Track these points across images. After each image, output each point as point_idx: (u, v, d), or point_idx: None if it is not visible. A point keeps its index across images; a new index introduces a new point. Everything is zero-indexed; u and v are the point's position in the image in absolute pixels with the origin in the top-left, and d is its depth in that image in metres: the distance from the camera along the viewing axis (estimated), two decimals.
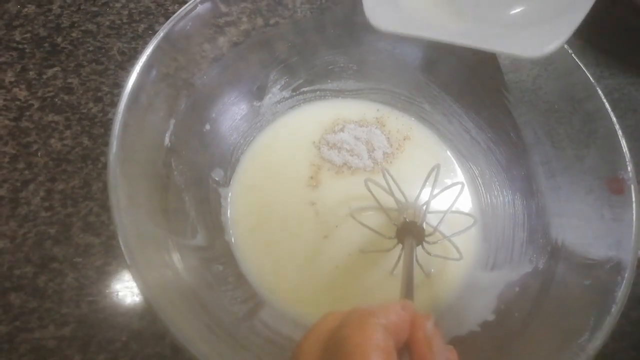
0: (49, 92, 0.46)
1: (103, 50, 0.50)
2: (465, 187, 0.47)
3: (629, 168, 0.36)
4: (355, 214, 0.42)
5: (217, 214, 0.42)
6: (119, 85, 0.48)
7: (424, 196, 0.42)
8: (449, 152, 0.50)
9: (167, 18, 0.42)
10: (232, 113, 0.45)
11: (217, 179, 0.43)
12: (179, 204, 0.38)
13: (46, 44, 0.49)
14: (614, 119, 0.38)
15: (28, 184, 0.42)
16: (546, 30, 0.32)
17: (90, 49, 0.49)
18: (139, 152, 0.34)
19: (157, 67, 0.35)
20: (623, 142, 0.37)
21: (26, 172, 0.42)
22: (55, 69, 0.48)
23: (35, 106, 0.45)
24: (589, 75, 0.39)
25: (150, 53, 0.35)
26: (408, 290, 0.30)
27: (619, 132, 0.37)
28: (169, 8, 0.53)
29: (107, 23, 0.51)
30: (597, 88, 0.39)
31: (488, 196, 0.47)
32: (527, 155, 0.44)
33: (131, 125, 0.32)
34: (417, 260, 0.39)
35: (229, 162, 0.45)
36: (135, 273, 0.27)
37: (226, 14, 0.41)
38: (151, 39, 0.35)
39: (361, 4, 0.36)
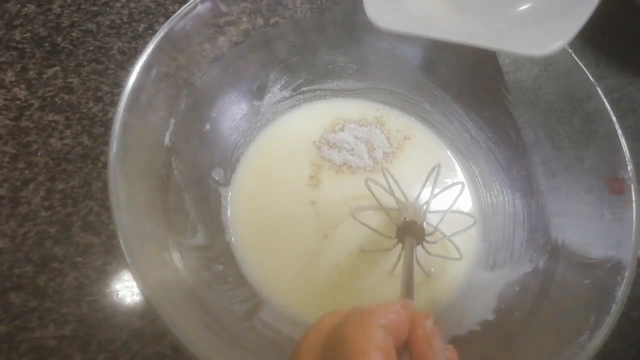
0: (49, 91, 0.46)
1: (103, 49, 0.50)
2: (466, 186, 0.47)
3: (629, 168, 0.36)
4: (356, 214, 0.42)
5: (217, 214, 0.42)
6: (119, 84, 0.48)
7: (424, 196, 0.42)
8: (449, 152, 0.50)
9: (167, 18, 0.42)
10: (232, 113, 0.45)
11: (217, 178, 0.43)
12: (179, 204, 0.38)
13: (46, 44, 0.49)
14: (614, 119, 0.38)
15: (28, 184, 0.42)
16: (551, 28, 0.32)
17: (91, 48, 0.49)
18: (139, 152, 0.34)
19: (157, 66, 0.35)
20: (623, 142, 0.37)
21: (26, 171, 0.42)
22: (56, 68, 0.48)
23: (36, 106, 0.45)
24: (589, 75, 0.39)
25: (150, 52, 0.35)
26: (408, 289, 0.30)
27: (619, 132, 0.37)
28: (169, 8, 0.53)
29: (107, 22, 0.51)
30: (597, 88, 0.39)
31: (488, 196, 0.47)
32: (527, 155, 0.44)
33: (131, 124, 0.32)
34: (417, 260, 0.39)
35: (229, 162, 0.45)
36: (136, 272, 0.27)
37: (226, 13, 0.41)
38: (151, 38, 0.35)
39: (361, 3, 0.36)
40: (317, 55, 0.48)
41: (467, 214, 0.45)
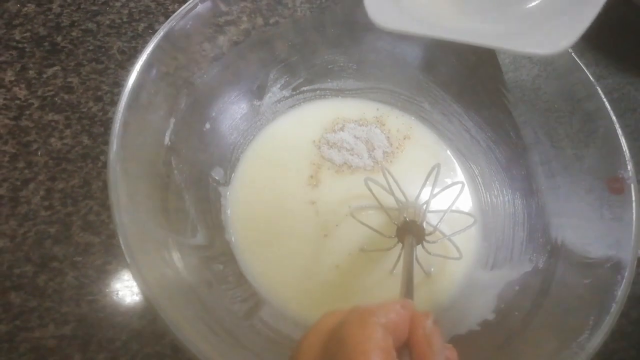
0: (49, 91, 0.46)
1: (103, 49, 0.50)
2: (465, 186, 0.47)
3: (628, 167, 0.36)
4: (356, 213, 0.42)
5: (217, 213, 0.42)
6: (118, 84, 0.48)
7: (424, 195, 0.42)
8: (448, 152, 0.50)
9: (167, 17, 0.42)
10: (232, 112, 0.45)
11: (217, 178, 0.43)
12: (179, 203, 0.38)
13: (46, 43, 0.49)
14: (614, 119, 0.38)
15: (28, 183, 0.42)
16: (557, 27, 0.31)
17: (90, 48, 0.49)
18: (139, 151, 0.34)
19: (157, 66, 0.35)
20: (623, 142, 0.37)
21: (26, 171, 0.42)
22: (55, 68, 0.48)
23: (35, 105, 0.45)
24: (589, 75, 0.39)
25: (150, 52, 0.35)
26: (408, 289, 0.30)
27: (619, 132, 0.37)
28: (169, 7, 0.53)
29: (107, 22, 0.51)
30: (597, 87, 0.39)
31: (488, 195, 0.47)
32: (527, 155, 0.44)
33: (131, 124, 0.32)
34: (417, 259, 0.39)
35: (229, 161, 0.45)
36: (135, 272, 0.27)
37: (226, 13, 0.41)
38: (151, 38, 0.35)
39: (362, 3, 0.36)
40: (317, 54, 0.48)
41: (467, 213, 0.45)
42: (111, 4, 0.52)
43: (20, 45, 0.48)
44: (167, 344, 0.38)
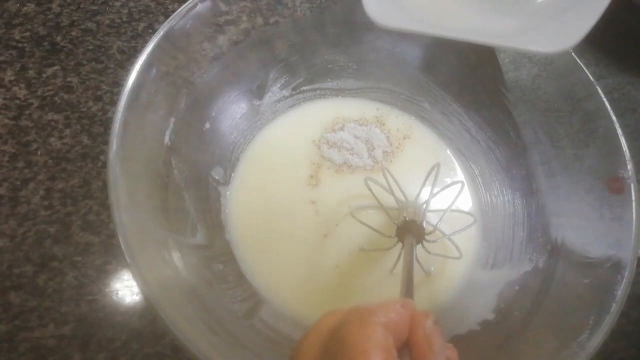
0: (49, 90, 0.46)
1: (103, 49, 0.50)
2: (465, 186, 0.47)
3: (628, 167, 0.36)
4: (355, 213, 0.42)
5: (217, 213, 0.42)
6: (118, 84, 0.48)
7: (424, 195, 0.42)
8: (448, 151, 0.50)
9: (166, 17, 0.42)
10: (232, 112, 0.45)
11: (217, 177, 0.43)
12: (179, 203, 0.38)
13: (46, 43, 0.49)
14: (614, 118, 0.38)
15: (28, 183, 0.42)
16: (562, 25, 0.31)
17: (90, 47, 0.49)
18: (139, 151, 0.34)
19: (157, 65, 0.35)
20: (623, 141, 0.37)
21: (26, 170, 0.42)
22: (55, 67, 0.48)
23: (35, 105, 0.45)
24: (589, 75, 0.39)
25: (150, 51, 0.35)
26: (408, 288, 0.30)
27: (619, 131, 0.37)
28: (169, 7, 0.53)
29: (107, 22, 0.51)
30: (597, 87, 0.39)
31: (488, 195, 0.47)
32: (527, 155, 0.44)
33: (131, 123, 0.32)
34: (417, 259, 0.39)
35: (229, 161, 0.45)
36: (135, 271, 0.27)
37: (226, 12, 0.41)
38: (151, 37, 0.35)
39: (361, 2, 0.36)
40: (316, 54, 0.48)
41: (467, 212, 0.45)
42: (111, 3, 0.52)
43: (19, 45, 0.48)
44: (167, 343, 0.38)
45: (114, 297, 0.39)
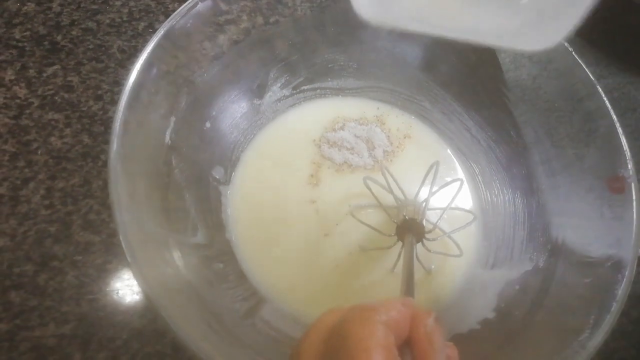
0: (49, 90, 0.46)
1: (103, 48, 0.50)
2: (466, 185, 0.47)
3: (629, 166, 0.36)
4: (355, 212, 0.42)
5: (217, 212, 0.42)
6: (119, 83, 0.48)
7: (424, 193, 0.42)
8: (449, 150, 0.50)
9: (167, 16, 0.42)
10: (232, 111, 0.45)
11: (217, 177, 0.43)
12: (179, 202, 0.38)
13: (46, 42, 0.49)
14: (615, 118, 0.38)
15: (28, 182, 0.42)
16: (549, 23, 0.31)
17: (90, 47, 0.49)
18: (140, 150, 0.34)
19: (157, 65, 0.35)
20: (623, 141, 0.37)
21: (26, 170, 0.42)
22: (55, 67, 0.48)
23: (35, 104, 0.45)
24: (590, 74, 0.39)
25: (150, 51, 0.34)
26: (409, 287, 0.30)
27: (619, 131, 0.37)
28: (169, 6, 0.53)
29: (107, 21, 0.51)
30: (598, 87, 0.39)
31: (488, 194, 0.47)
32: (527, 154, 0.44)
33: (132, 123, 0.32)
34: (417, 258, 0.39)
35: (230, 160, 0.45)
36: (136, 271, 0.27)
37: (226, 12, 0.41)
38: (151, 37, 0.35)
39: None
40: (317, 53, 0.48)
41: (467, 210, 0.45)
42: (111, 2, 0.52)
43: (20, 44, 0.48)
44: (168, 342, 0.38)
45: (115, 296, 0.39)
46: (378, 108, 0.51)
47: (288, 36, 0.45)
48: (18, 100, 0.45)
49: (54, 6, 0.51)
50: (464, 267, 0.43)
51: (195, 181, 0.40)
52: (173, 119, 0.38)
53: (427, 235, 0.39)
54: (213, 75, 0.41)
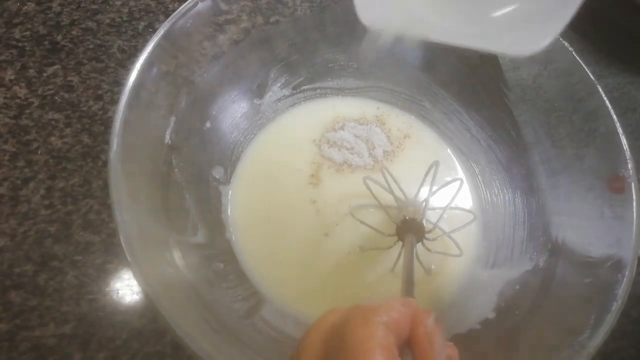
0: (49, 90, 0.46)
1: (103, 48, 0.50)
2: (466, 184, 0.47)
3: (629, 166, 0.36)
4: (355, 212, 0.42)
5: (217, 212, 0.42)
6: (119, 83, 0.48)
7: (424, 193, 0.42)
8: (449, 150, 0.50)
9: (167, 16, 0.42)
10: (232, 111, 0.45)
11: (217, 176, 0.43)
12: (179, 202, 0.38)
13: (46, 42, 0.49)
14: (615, 117, 0.37)
15: (28, 182, 0.42)
16: (537, 26, 0.31)
17: (91, 46, 0.49)
18: (140, 150, 0.34)
19: (157, 64, 0.35)
20: (624, 140, 0.37)
21: (26, 170, 0.42)
22: (55, 66, 0.48)
23: (35, 104, 0.45)
24: (590, 74, 0.39)
25: (150, 51, 0.34)
26: (409, 287, 0.30)
27: (620, 131, 0.37)
28: (169, 6, 0.53)
29: (107, 21, 0.51)
30: (598, 86, 0.39)
31: (488, 194, 0.47)
32: (528, 154, 0.44)
33: (132, 122, 0.32)
34: (417, 257, 0.39)
35: (230, 160, 0.45)
36: (137, 270, 0.27)
37: (226, 12, 0.41)
38: (151, 36, 0.35)
39: None
40: (317, 53, 0.48)
41: (467, 210, 0.45)
42: (111, 2, 0.52)
43: (20, 44, 0.48)
44: (168, 342, 0.38)
45: (115, 296, 0.39)
46: (378, 108, 0.51)
47: (288, 36, 0.45)
48: (18, 100, 0.45)
49: (54, 6, 0.51)
50: (464, 267, 0.43)
51: (195, 181, 0.40)
52: (173, 118, 0.38)
53: (427, 235, 0.39)
54: (213, 75, 0.41)
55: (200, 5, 0.38)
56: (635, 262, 0.33)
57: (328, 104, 0.50)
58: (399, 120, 0.50)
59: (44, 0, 0.51)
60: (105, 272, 0.40)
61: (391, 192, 0.41)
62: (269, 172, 0.45)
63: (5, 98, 0.45)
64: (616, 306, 0.32)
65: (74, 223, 0.41)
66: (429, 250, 0.40)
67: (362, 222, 0.41)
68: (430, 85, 0.49)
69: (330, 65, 0.49)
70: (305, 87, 0.49)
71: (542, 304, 0.36)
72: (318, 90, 0.50)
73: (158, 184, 0.35)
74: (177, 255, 0.33)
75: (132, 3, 0.53)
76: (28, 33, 0.49)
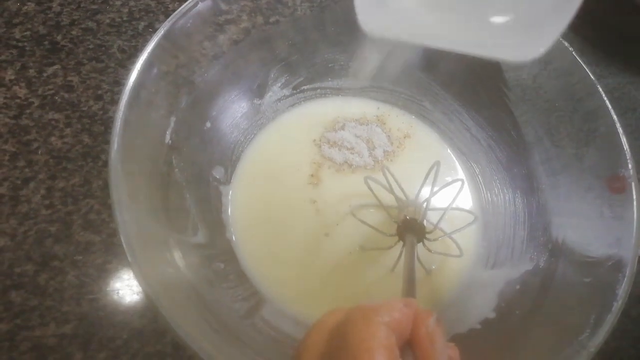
0: (49, 90, 0.46)
1: (103, 48, 0.50)
2: (466, 184, 0.47)
3: (629, 166, 0.36)
4: (356, 212, 0.42)
5: (217, 212, 0.42)
6: (119, 83, 0.48)
7: (425, 193, 0.42)
8: (449, 150, 0.50)
9: (167, 16, 0.42)
10: (232, 111, 0.45)
11: (217, 176, 0.43)
12: (179, 202, 0.38)
13: (46, 42, 0.49)
14: (615, 117, 0.38)
15: (28, 182, 0.42)
16: (535, 33, 0.32)
17: (91, 46, 0.49)
18: (140, 150, 0.34)
19: (157, 64, 0.35)
20: (624, 140, 0.37)
21: (26, 170, 0.42)
22: (55, 66, 0.48)
23: (36, 104, 0.45)
24: (590, 74, 0.39)
25: (150, 51, 0.34)
26: (410, 287, 0.30)
27: (620, 130, 0.37)
28: (169, 6, 0.53)
29: (107, 21, 0.51)
30: (598, 86, 0.39)
31: (488, 194, 0.47)
32: (528, 154, 0.44)
33: (132, 122, 0.32)
34: (417, 258, 0.39)
35: (230, 160, 0.45)
36: (137, 270, 0.27)
37: (226, 12, 0.41)
38: (151, 36, 0.35)
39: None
40: (317, 53, 0.48)
41: (468, 211, 0.45)
42: (111, 2, 0.52)
43: (20, 44, 0.48)
44: (168, 342, 0.38)
45: (115, 296, 0.39)
46: (378, 108, 0.51)
47: (288, 36, 0.45)
48: (18, 100, 0.45)
49: (54, 6, 0.51)
50: (465, 267, 0.43)
51: (195, 181, 0.40)
52: (173, 118, 0.38)
53: (427, 236, 0.39)
54: (213, 75, 0.41)
55: (200, 5, 0.38)
56: (636, 261, 0.34)
57: (328, 104, 0.50)
58: (399, 120, 0.50)
59: (44, 0, 0.51)
60: (105, 272, 0.40)
61: (392, 192, 0.41)
62: (269, 172, 0.45)
63: (5, 98, 0.45)
64: (616, 306, 0.32)
65: (75, 223, 0.41)
66: (429, 250, 0.40)
67: (362, 222, 0.41)
68: (430, 85, 0.49)
69: (330, 65, 0.49)
70: (305, 87, 0.49)
71: (542, 304, 0.36)
72: (318, 90, 0.50)
73: (158, 184, 0.35)
74: (177, 255, 0.33)
75: (132, 3, 0.53)
76: (28, 33, 0.49)
